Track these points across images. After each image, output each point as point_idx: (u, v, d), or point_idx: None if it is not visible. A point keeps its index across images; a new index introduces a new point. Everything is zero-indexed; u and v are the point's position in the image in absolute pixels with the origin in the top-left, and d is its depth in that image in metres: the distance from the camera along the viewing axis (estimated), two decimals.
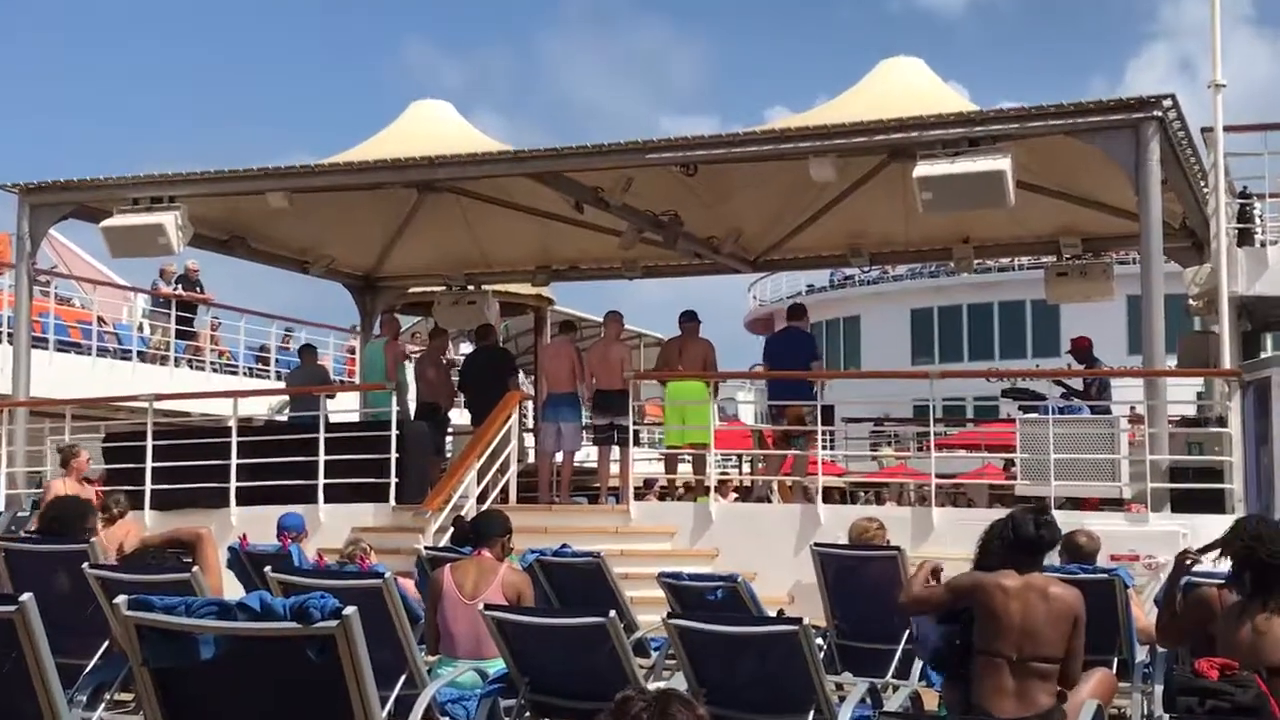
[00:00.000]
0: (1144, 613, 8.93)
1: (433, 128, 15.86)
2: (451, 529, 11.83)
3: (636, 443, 15.59)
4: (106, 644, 7.28)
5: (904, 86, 14.40)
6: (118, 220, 14.45)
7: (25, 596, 4.19)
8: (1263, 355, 14.26)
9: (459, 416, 17.66)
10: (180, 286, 23.16)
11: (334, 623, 3.87)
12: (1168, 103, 11.74)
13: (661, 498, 17.95)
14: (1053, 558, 7.07)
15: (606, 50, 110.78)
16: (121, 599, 4.06)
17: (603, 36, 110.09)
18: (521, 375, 17.86)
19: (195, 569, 7.13)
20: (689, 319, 15.09)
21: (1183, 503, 11.61)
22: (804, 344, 15.04)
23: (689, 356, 14.86)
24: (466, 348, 24.09)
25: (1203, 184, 13.64)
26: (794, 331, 15.20)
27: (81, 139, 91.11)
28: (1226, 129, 12.95)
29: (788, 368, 14.57)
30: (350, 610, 3.87)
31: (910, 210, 14.71)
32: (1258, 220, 13.88)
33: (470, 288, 18.70)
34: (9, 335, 17.40)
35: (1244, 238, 13.41)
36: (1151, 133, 11.70)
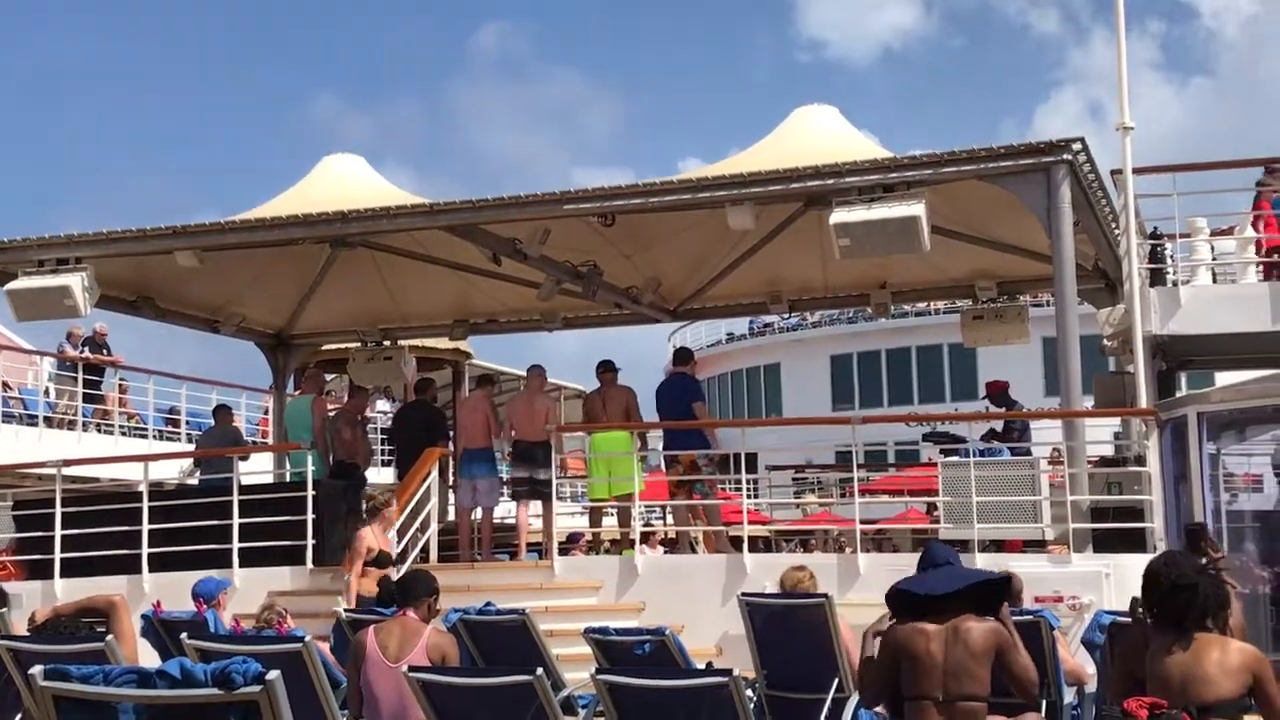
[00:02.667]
0: (1070, 654, 8.94)
1: (344, 182, 15.71)
2: (377, 591, 11.63)
3: (560, 497, 15.45)
4: (20, 717, 7.05)
5: (818, 134, 14.49)
6: (22, 283, 14.16)
7: None
8: (1178, 394, 14.41)
9: (375, 475, 17.42)
10: (88, 349, 22.76)
11: (257, 688, 3.76)
12: (1077, 146, 11.90)
13: (587, 552, 17.79)
14: None
15: (517, 103, 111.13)
16: (38, 669, 3.92)
17: (513, 89, 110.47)
18: None
19: (110, 638, 6.95)
20: (606, 369, 15.02)
21: (1104, 542, 11.68)
22: (686, 389, 14.98)
23: (612, 406, 14.77)
24: (384, 405, 23.86)
25: (1114, 225, 13.81)
26: (677, 378, 15.16)
27: None
28: (1136, 170, 13.11)
29: (672, 414, 14.53)
30: (274, 674, 3.76)
31: (828, 256, 14.80)
32: (1169, 260, 14.05)
33: (386, 343, 18.51)
34: None
35: (1156, 278, 13.57)
36: (1062, 176, 11.84)
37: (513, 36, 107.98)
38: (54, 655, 6.38)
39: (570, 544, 18.20)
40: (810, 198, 13.43)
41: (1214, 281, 14.39)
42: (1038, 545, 12.46)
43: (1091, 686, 8.64)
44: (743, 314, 26.92)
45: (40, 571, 13.92)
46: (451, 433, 15.62)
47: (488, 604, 9.87)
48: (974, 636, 6.04)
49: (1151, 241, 13.97)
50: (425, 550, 14.00)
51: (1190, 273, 14.08)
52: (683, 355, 15.73)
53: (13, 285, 14.18)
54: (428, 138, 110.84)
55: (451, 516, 15.78)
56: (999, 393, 16.43)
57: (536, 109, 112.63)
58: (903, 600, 6.32)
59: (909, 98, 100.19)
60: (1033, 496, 11.99)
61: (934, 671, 6.00)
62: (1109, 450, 14.16)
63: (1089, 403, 13.39)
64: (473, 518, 14.81)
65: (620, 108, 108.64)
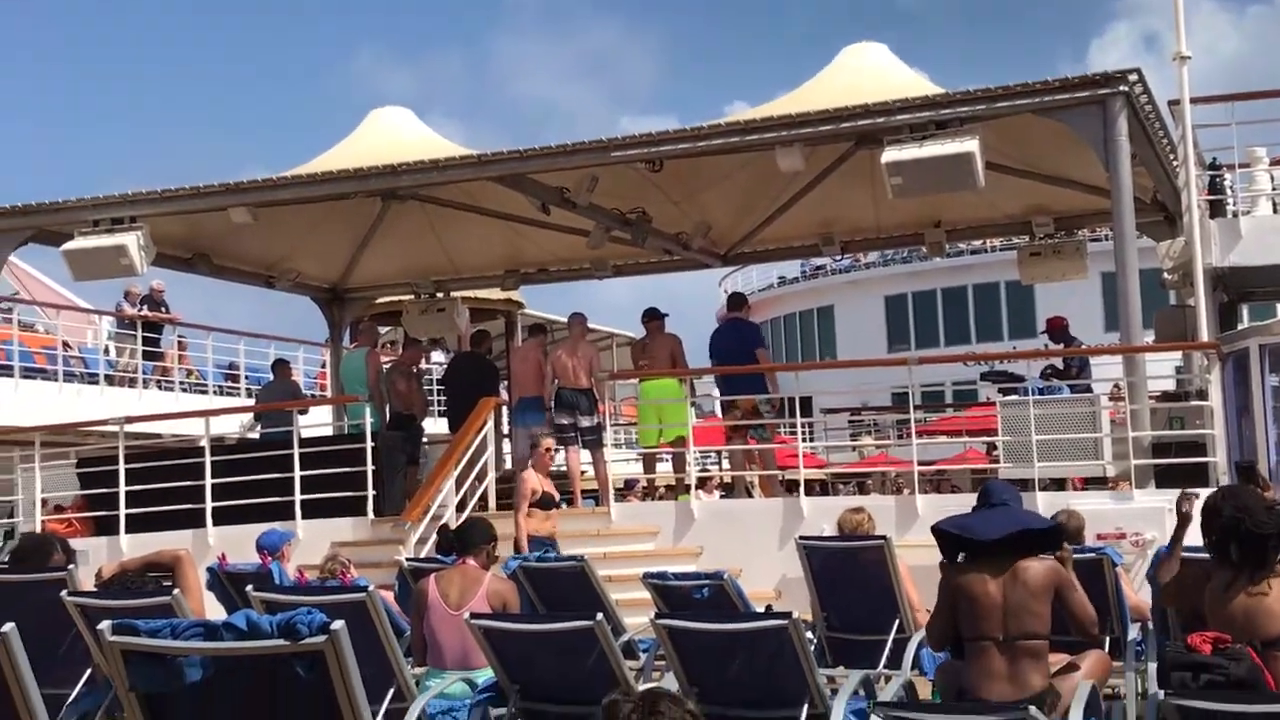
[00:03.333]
0: (1134, 590, 8.89)
1: (393, 135, 15.71)
2: (435, 538, 11.73)
3: (616, 444, 15.47)
4: (89, 672, 7.15)
5: (868, 73, 14.34)
6: (79, 243, 14.27)
7: (7, 627, 4.07)
8: (1240, 326, 14.23)
9: (433, 426, 17.50)
10: (145, 307, 22.96)
11: (322, 638, 3.78)
12: (1134, 77, 11.70)
13: (643, 499, 17.84)
14: None
15: (561, 51, 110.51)
16: (106, 624, 3.96)
17: (556, 37, 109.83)
18: None
19: (176, 592, 7.02)
20: (651, 317, 15.01)
21: (1166, 478, 11.57)
22: (748, 334, 14.92)
23: (657, 355, 14.76)
24: (439, 357, 23.95)
25: (1172, 157, 13.61)
26: (736, 323, 15.09)
27: (37, 161, 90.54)
28: (1193, 101, 12.91)
29: (733, 360, 14.44)
30: (338, 624, 3.78)
31: (880, 197, 14.67)
32: (1228, 191, 13.86)
33: (439, 295, 18.55)
34: None
35: (1216, 209, 13.39)
36: (1119, 108, 11.65)
37: None
38: (121, 610, 6.46)
39: (626, 490, 18.26)
40: (861, 137, 13.28)
41: (1274, 211, 14.19)
42: (1099, 482, 12.37)
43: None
44: (794, 257, 26.76)
45: (105, 528, 14.10)
46: (505, 382, 15.66)
47: (546, 550, 9.91)
48: (1032, 575, 6.03)
49: (1210, 172, 13.78)
50: (483, 499, 14.07)
51: (1250, 203, 13.89)
52: (737, 300, 15.67)
53: (69, 246, 14.29)
54: (471, 89, 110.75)
55: (509, 465, 15.85)
56: (1058, 329, 16.26)
57: (579, 57, 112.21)
58: (953, 539, 6.29)
59: (960, 35, 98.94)
60: (1093, 434, 11.90)
61: (994, 612, 5.99)
62: (1170, 385, 14.02)
63: (1149, 338, 13.26)
64: None
65: (663, 54, 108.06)
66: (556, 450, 12.93)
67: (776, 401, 14.35)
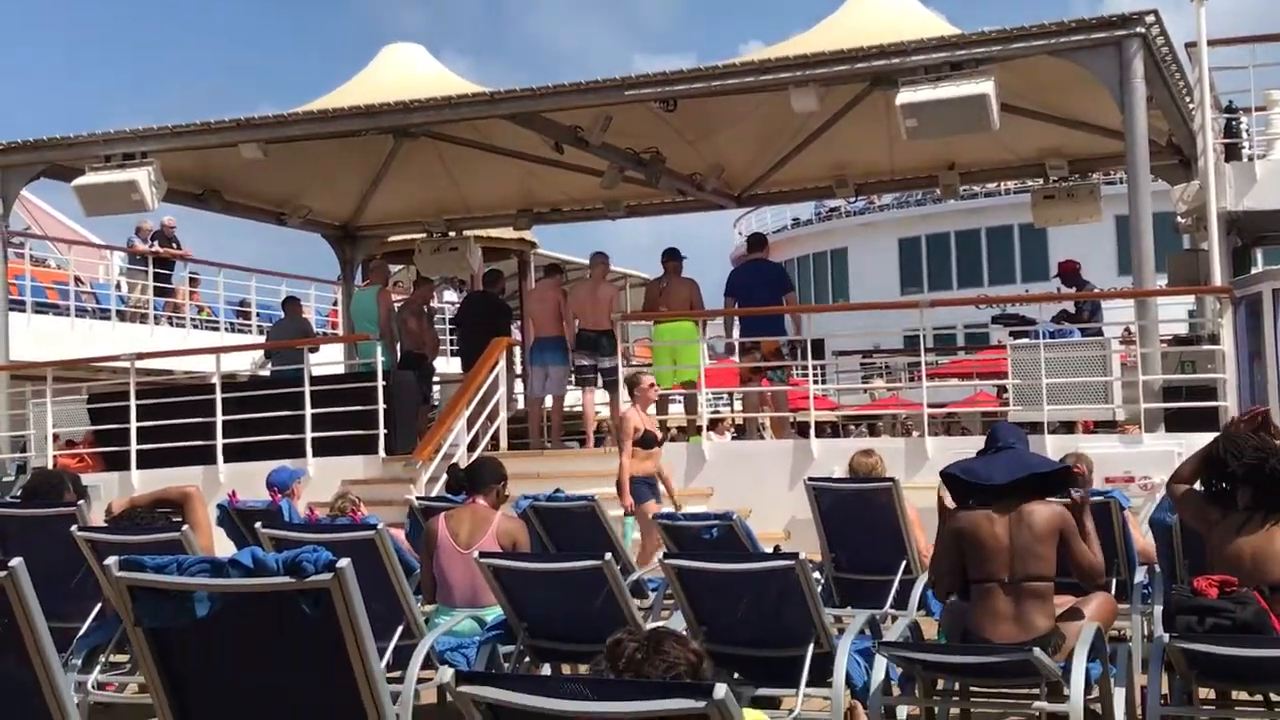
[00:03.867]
0: (1141, 534, 8.89)
1: (406, 72, 15.67)
2: (445, 477, 11.75)
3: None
4: (99, 607, 7.20)
5: (883, 12, 14.24)
6: (90, 178, 14.26)
7: (15, 561, 4.08)
8: (1253, 271, 14.18)
9: (444, 365, 17.52)
10: (156, 243, 22.97)
11: (328, 575, 3.80)
12: (1150, 19, 11.61)
13: None
14: None
15: None
16: (112, 560, 3.99)
17: None
18: None
19: (185, 528, 7.05)
20: (671, 257, 14.94)
21: (1176, 422, 11.56)
22: (774, 275, 14.85)
23: (674, 298, 14.71)
24: (451, 295, 23.96)
25: (1188, 100, 13.51)
26: (760, 263, 15.02)
27: (44, 95, 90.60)
28: (1211, 43, 12.79)
29: (756, 300, 14.37)
30: (344, 563, 3.79)
31: (894, 138, 14.59)
32: (1244, 135, 13.76)
33: (451, 234, 18.53)
34: None
35: (1231, 153, 13.30)
36: (1135, 50, 11.57)
37: None
38: (130, 546, 6.49)
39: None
40: (875, 78, 13.21)
41: None
42: (1109, 425, 12.37)
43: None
44: (808, 199, 26.73)
45: (116, 463, 14.16)
46: (519, 322, 15.66)
47: (557, 490, 9.94)
48: (1038, 519, 6.02)
49: (1227, 115, 13.68)
50: (495, 439, 14.11)
51: (1266, 147, 13.78)
52: (758, 240, 15.58)
53: (80, 181, 14.29)
54: (484, 26, 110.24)
55: (521, 405, 15.89)
56: (1071, 273, 16.22)
57: None
58: (961, 483, 6.29)
59: None
60: (1104, 377, 11.88)
61: (1000, 554, 6.00)
62: (1183, 329, 13.98)
63: (1162, 281, 13.21)
64: (543, 405, 14.88)
65: None
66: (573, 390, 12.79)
67: (797, 344, 14.33)
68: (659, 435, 11.55)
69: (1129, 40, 11.56)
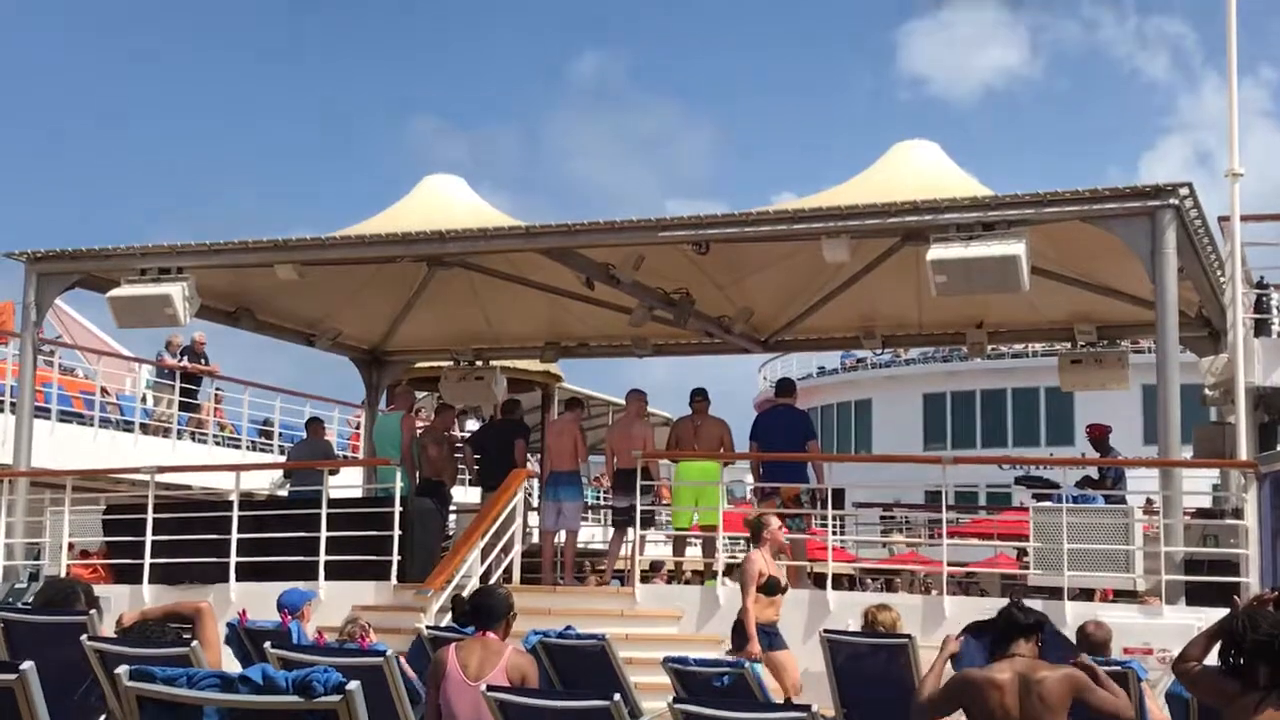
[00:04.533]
0: (1159, 706, 8.74)
1: (443, 202, 15.84)
2: (451, 610, 11.65)
3: (649, 524, 15.34)
4: (104, 718, 7.12)
5: (918, 169, 14.38)
6: (125, 290, 14.39)
7: (26, 665, 4.06)
8: (1279, 448, 14.09)
9: (462, 494, 17.48)
10: (185, 358, 23.12)
11: (337, 697, 3.76)
12: (1184, 191, 11.70)
13: (669, 581, 17.73)
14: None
15: (612, 131, 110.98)
16: (123, 669, 3.97)
17: (608, 117, 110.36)
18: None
19: (194, 643, 6.99)
20: (700, 397, 14.95)
21: (1198, 595, 11.42)
22: (799, 423, 14.83)
23: (705, 436, 14.68)
24: (472, 425, 23.99)
25: (1219, 273, 13.57)
26: (786, 409, 15.01)
27: (87, 208, 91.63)
28: (1244, 218, 12.91)
29: (780, 446, 14.34)
30: (353, 684, 3.77)
31: (923, 293, 14.66)
32: (1275, 310, 13.80)
33: (478, 363, 18.61)
34: (12, 405, 17.31)
35: (1261, 328, 13.34)
36: (1168, 220, 11.64)
37: (610, 64, 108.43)
38: (139, 658, 6.42)
39: (652, 572, 18.16)
40: (908, 233, 13.32)
41: None
42: (1129, 595, 12.23)
43: None
44: (835, 348, 26.72)
45: (128, 576, 14.09)
46: (537, 455, 15.64)
47: (568, 628, 9.84)
48: (1048, 688, 5.92)
49: (1257, 291, 13.73)
50: (509, 571, 14.02)
51: None
52: (786, 386, 15.53)
53: (115, 292, 14.41)
54: (523, 162, 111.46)
55: (535, 539, 15.80)
56: (1100, 437, 16.16)
57: (631, 138, 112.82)
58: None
59: (1011, 140, 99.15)
60: (1126, 546, 11.77)
61: None
62: (1206, 502, 13.88)
63: (1188, 453, 13.14)
64: (556, 540, 14.80)
65: (714, 139, 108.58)
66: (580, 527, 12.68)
67: (818, 493, 14.24)
68: (783, 581, 11.11)
69: (1162, 211, 11.64)
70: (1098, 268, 14.61)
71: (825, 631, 9.37)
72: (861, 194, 13.34)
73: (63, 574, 13.60)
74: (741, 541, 23.10)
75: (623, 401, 15.71)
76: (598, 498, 15.86)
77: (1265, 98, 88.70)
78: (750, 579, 10.68)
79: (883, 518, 28.00)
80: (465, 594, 11.30)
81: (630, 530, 14.54)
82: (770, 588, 10.71)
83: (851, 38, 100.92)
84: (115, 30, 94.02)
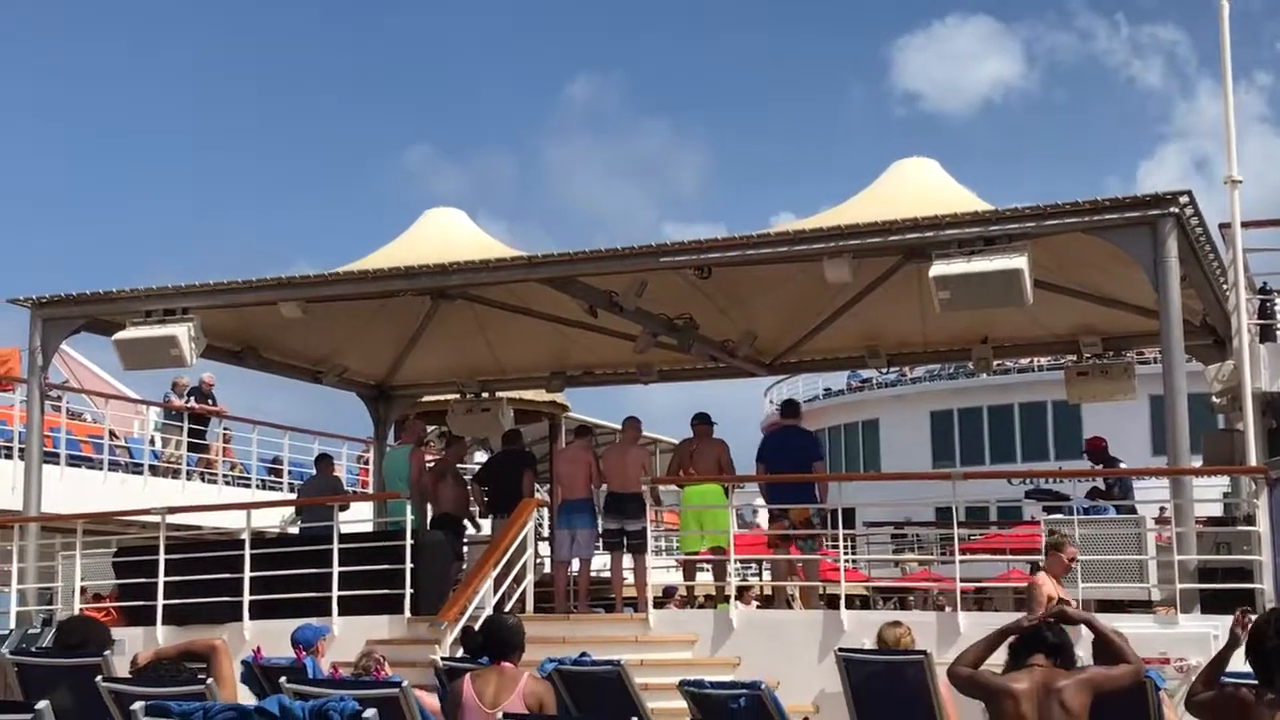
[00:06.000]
0: (1177, 716, 8.71)
1: (445, 235, 15.86)
2: (461, 643, 11.64)
3: (655, 551, 15.36)
4: None
5: (917, 186, 14.39)
6: (130, 333, 14.42)
7: (41, 704, 4.06)
8: None
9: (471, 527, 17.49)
10: (193, 399, 23.14)
11: None
12: (1184, 199, 11.71)
13: (682, 606, 17.69)
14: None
15: (606, 155, 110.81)
16: (139, 705, 3.98)
17: (602, 141, 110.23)
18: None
19: (209, 681, 6.99)
20: (701, 421, 14.95)
21: (1212, 603, 11.39)
22: (805, 443, 14.82)
23: (703, 459, 14.69)
24: (481, 456, 24.00)
25: (1222, 280, 13.57)
26: (792, 430, 15.01)
27: (89, 251, 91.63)
28: (1245, 224, 12.89)
29: (787, 468, 14.32)
30: (370, 713, 3.77)
31: (927, 311, 14.68)
32: (1279, 316, 13.78)
33: (484, 395, 18.63)
34: (20, 450, 17.33)
35: (1266, 334, 13.32)
36: (1169, 229, 11.65)
37: (602, 88, 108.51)
38: (155, 696, 6.43)
39: (665, 598, 18.11)
40: (909, 250, 13.34)
41: None
42: (1143, 606, 12.20)
43: None
44: (840, 368, 26.76)
45: (142, 618, 14.09)
46: (546, 486, 15.64)
47: (583, 654, 9.83)
48: (1068, 696, 5.91)
49: (1261, 297, 13.72)
50: (522, 601, 14.00)
51: None
52: (791, 407, 15.55)
53: (121, 335, 14.44)
54: (519, 191, 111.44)
55: (547, 569, 15.79)
56: (1098, 449, 16.16)
57: (626, 161, 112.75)
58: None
59: (1009, 152, 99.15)
60: (1139, 556, 11.75)
61: None
62: (1217, 510, 13.85)
63: (1197, 461, 13.12)
64: (569, 569, 14.79)
65: (710, 160, 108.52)
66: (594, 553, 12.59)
67: (827, 513, 14.24)
68: (1069, 611, 10.79)
69: (1163, 220, 11.65)
70: (1100, 279, 14.62)
71: (840, 650, 9.37)
72: (862, 213, 13.35)
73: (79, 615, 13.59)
74: (753, 565, 23.09)
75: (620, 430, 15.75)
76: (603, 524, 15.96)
77: (1261, 103, 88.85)
78: (1039, 603, 10.06)
79: (894, 536, 27.96)
80: (476, 626, 11.36)
81: (625, 554, 14.58)
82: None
83: (844, 54, 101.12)
84: (111, 66, 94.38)
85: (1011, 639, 6.41)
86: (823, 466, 14.98)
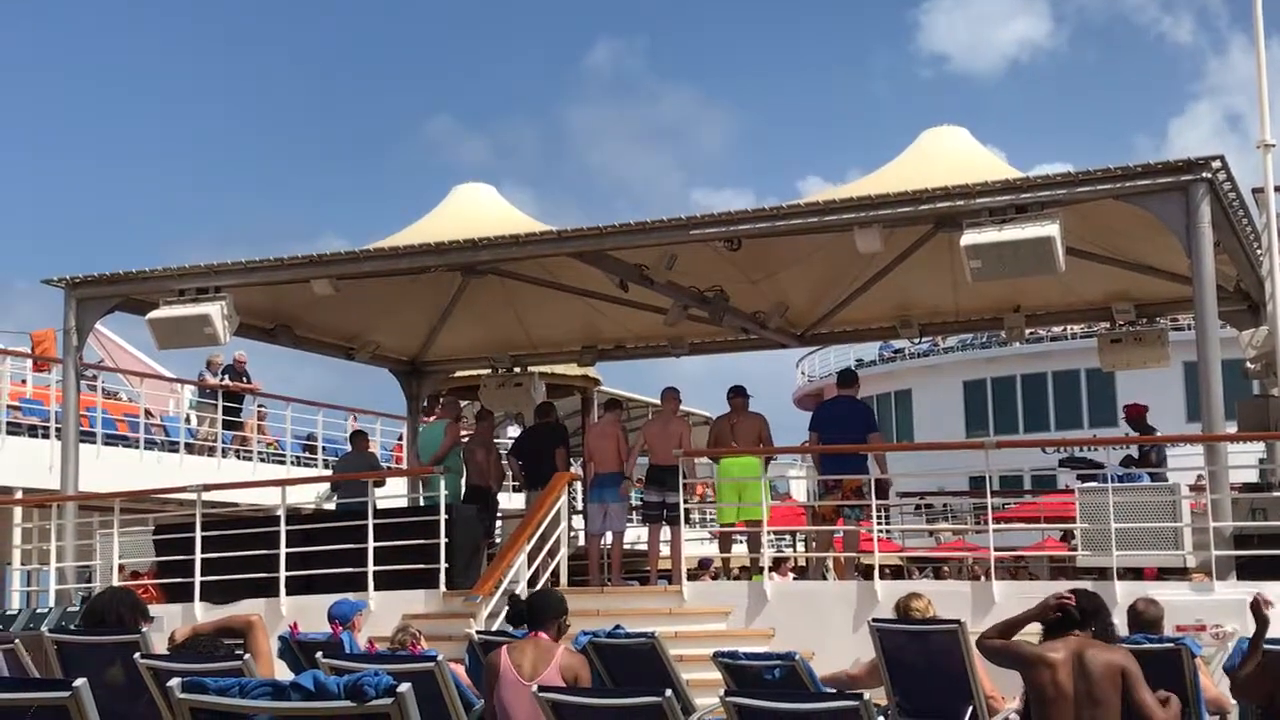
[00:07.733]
0: (1213, 683, 8.70)
1: (474, 210, 15.89)
2: (506, 609, 11.70)
3: (688, 522, 15.36)
4: None
5: (947, 155, 14.31)
6: (164, 312, 14.51)
7: (79, 682, 4.10)
8: None
9: (507, 500, 17.54)
10: (227, 377, 23.28)
11: (388, 700, 3.80)
12: (1217, 164, 11.62)
13: (715, 578, 17.74)
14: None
15: (631, 121, 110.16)
16: (175, 681, 4.01)
17: (627, 107, 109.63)
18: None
19: (247, 656, 7.05)
20: (738, 394, 14.92)
21: (1248, 570, 11.35)
22: (860, 414, 14.71)
23: (743, 432, 14.65)
24: (514, 431, 24.08)
25: (1256, 245, 13.48)
26: (848, 400, 14.90)
27: (123, 229, 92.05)
28: (1278, 189, 12.78)
29: (840, 438, 14.19)
30: (404, 687, 3.80)
31: (959, 280, 14.62)
32: None
33: (516, 370, 18.67)
34: (57, 430, 17.47)
35: None
36: (1202, 195, 11.57)
37: (625, 54, 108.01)
38: (192, 673, 6.49)
39: (700, 570, 18.15)
40: (940, 219, 13.27)
41: None
42: (1179, 573, 12.16)
43: (1234, 716, 8.42)
44: (872, 339, 26.69)
45: (180, 595, 14.21)
46: (579, 460, 15.67)
47: (617, 627, 9.87)
48: (1095, 665, 5.92)
49: None
50: (556, 575, 14.06)
51: None
52: (848, 377, 15.24)
53: (154, 314, 14.53)
54: (541, 158, 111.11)
55: (581, 541, 15.84)
56: (1138, 416, 16.08)
57: (650, 127, 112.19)
58: None
59: (1037, 113, 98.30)
60: (1174, 523, 11.70)
61: (1064, 702, 5.89)
62: (1253, 476, 13.78)
63: (1232, 428, 13.05)
64: (602, 543, 14.83)
65: (736, 125, 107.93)
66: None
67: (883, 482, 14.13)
68: None
69: (1195, 185, 11.57)
70: (1133, 246, 14.53)
71: (874, 621, 9.36)
72: (892, 182, 13.30)
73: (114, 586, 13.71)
74: (787, 537, 23.10)
75: (660, 402, 15.72)
76: (641, 498, 15.91)
77: None
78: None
79: (928, 506, 27.93)
80: (516, 594, 11.42)
81: (664, 526, 14.58)
82: None
83: (871, 16, 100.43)
84: (131, 45, 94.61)
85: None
86: (880, 437, 14.89)
